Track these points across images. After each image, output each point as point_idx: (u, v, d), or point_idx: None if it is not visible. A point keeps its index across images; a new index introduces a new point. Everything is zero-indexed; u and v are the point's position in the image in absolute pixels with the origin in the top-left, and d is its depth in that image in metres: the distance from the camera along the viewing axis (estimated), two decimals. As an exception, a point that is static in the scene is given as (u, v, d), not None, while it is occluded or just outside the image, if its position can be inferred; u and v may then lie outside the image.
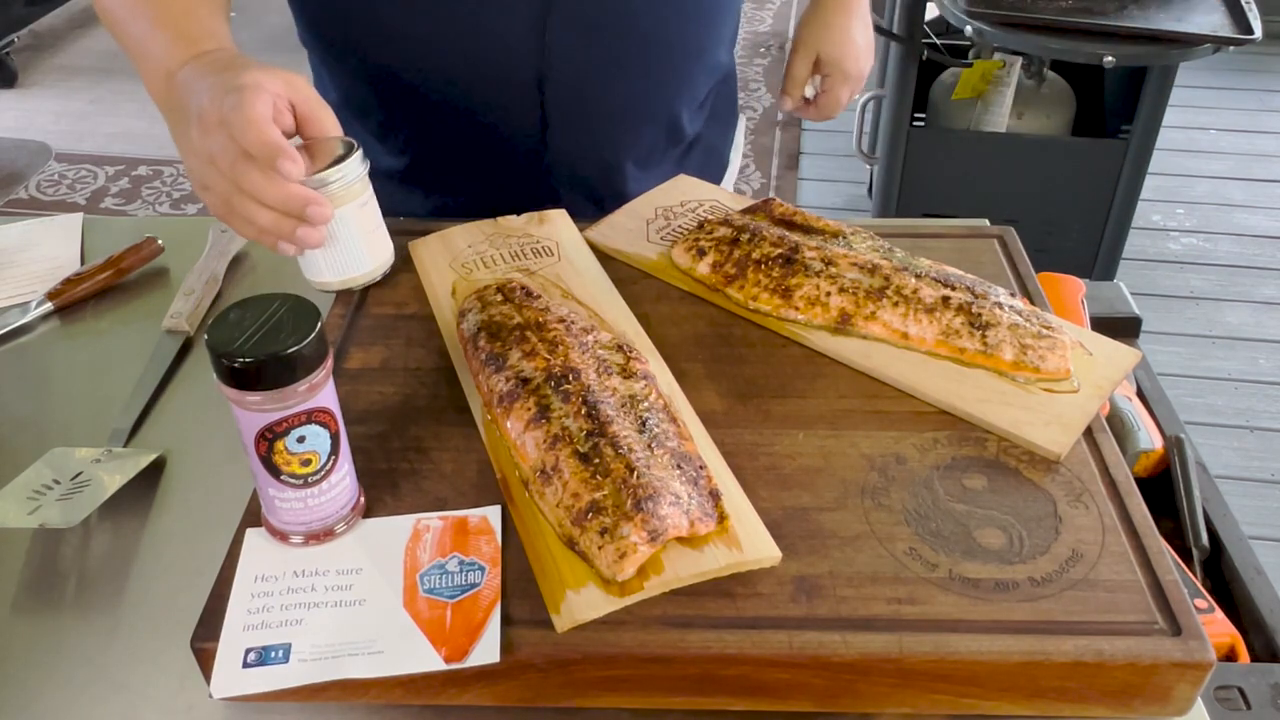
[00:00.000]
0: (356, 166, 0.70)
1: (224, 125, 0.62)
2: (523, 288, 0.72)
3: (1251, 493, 1.91)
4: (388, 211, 0.77)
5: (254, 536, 0.58)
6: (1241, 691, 0.66)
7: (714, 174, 1.05)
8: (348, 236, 0.72)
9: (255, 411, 0.52)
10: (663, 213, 0.85)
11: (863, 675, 0.52)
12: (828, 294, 0.72)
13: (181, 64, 0.68)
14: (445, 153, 0.92)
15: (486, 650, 0.51)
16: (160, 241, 0.90)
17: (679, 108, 0.93)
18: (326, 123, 0.67)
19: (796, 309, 0.72)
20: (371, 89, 0.89)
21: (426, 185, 0.94)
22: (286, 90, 0.65)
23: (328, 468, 0.55)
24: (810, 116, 1.03)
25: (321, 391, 0.53)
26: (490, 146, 0.89)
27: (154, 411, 0.74)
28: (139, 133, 3.06)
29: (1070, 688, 0.52)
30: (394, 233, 0.78)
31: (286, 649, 0.52)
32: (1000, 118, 2.13)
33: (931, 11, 2.11)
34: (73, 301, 0.85)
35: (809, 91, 1.02)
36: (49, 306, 0.84)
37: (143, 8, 0.72)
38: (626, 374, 0.64)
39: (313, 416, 0.53)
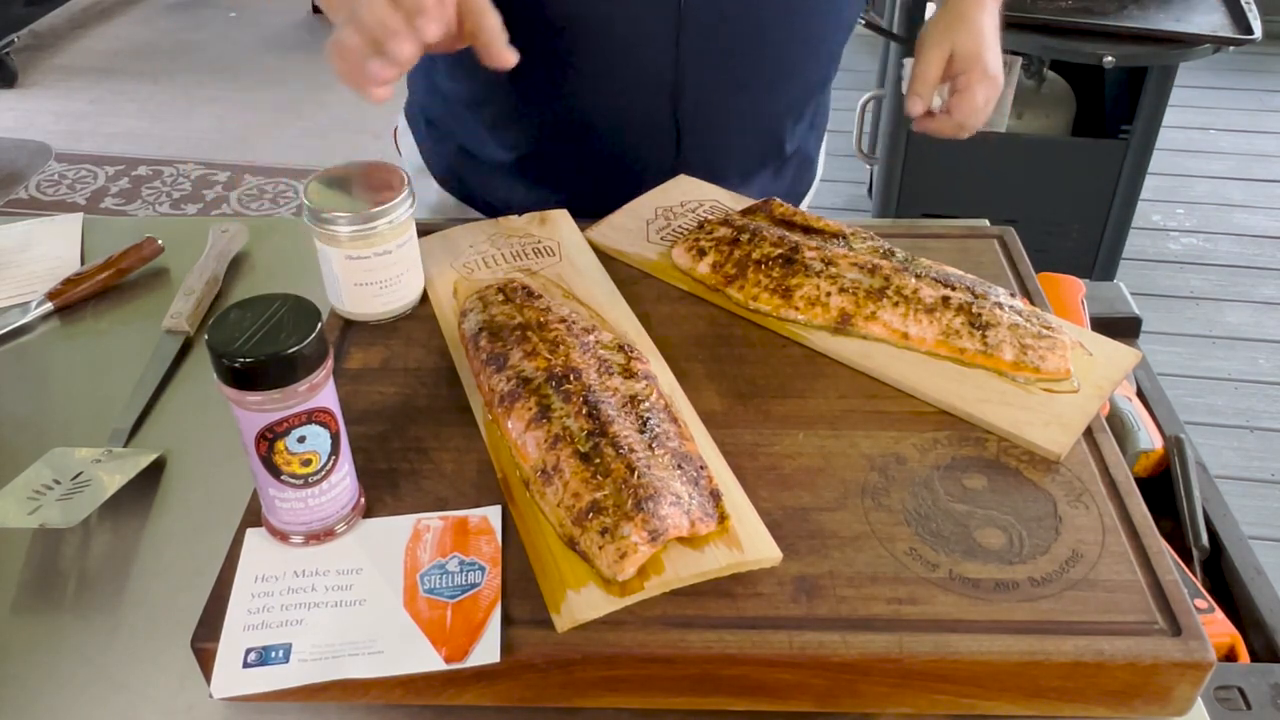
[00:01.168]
0: (405, 207, 0.70)
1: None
2: (524, 288, 0.72)
3: (1251, 493, 1.91)
4: (486, 196, 0.75)
5: (254, 536, 0.58)
6: (1241, 691, 0.66)
7: (806, 183, 1.04)
8: (388, 273, 0.72)
9: (255, 411, 0.52)
10: (663, 213, 0.85)
11: (863, 675, 0.52)
12: (828, 294, 0.72)
13: None
14: (561, 152, 0.91)
15: (486, 650, 0.51)
16: (160, 242, 0.90)
17: (788, 124, 0.93)
18: (485, 19, 0.66)
19: (797, 309, 0.72)
20: (492, 85, 0.87)
21: (540, 181, 0.93)
22: None
23: (328, 468, 0.55)
24: (943, 129, 0.89)
25: (322, 391, 0.53)
26: (621, 155, 0.89)
27: (154, 411, 0.74)
28: (139, 133, 3.06)
29: (1070, 688, 0.52)
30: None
31: (287, 649, 0.52)
32: (1000, 118, 2.12)
33: (931, 11, 2.11)
34: (73, 301, 0.85)
35: (935, 102, 0.89)
36: (49, 306, 0.84)
37: None
38: (627, 374, 0.64)
39: (313, 416, 0.53)
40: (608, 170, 0.90)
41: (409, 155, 1.02)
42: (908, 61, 0.89)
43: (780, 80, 0.88)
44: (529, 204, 0.88)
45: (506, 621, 0.52)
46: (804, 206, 1.05)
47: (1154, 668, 0.51)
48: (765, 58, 0.85)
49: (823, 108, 1.02)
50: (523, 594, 0.54)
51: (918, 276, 0.72)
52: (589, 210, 0.85)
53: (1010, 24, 2.03)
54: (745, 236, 0.77)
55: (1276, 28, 2.96)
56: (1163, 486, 0.84)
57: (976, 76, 0.85)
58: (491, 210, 0.94)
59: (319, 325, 0.52)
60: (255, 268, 0.90)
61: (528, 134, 0.91)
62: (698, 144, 0.89)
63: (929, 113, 0.88)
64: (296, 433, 0.53)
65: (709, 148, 0.90)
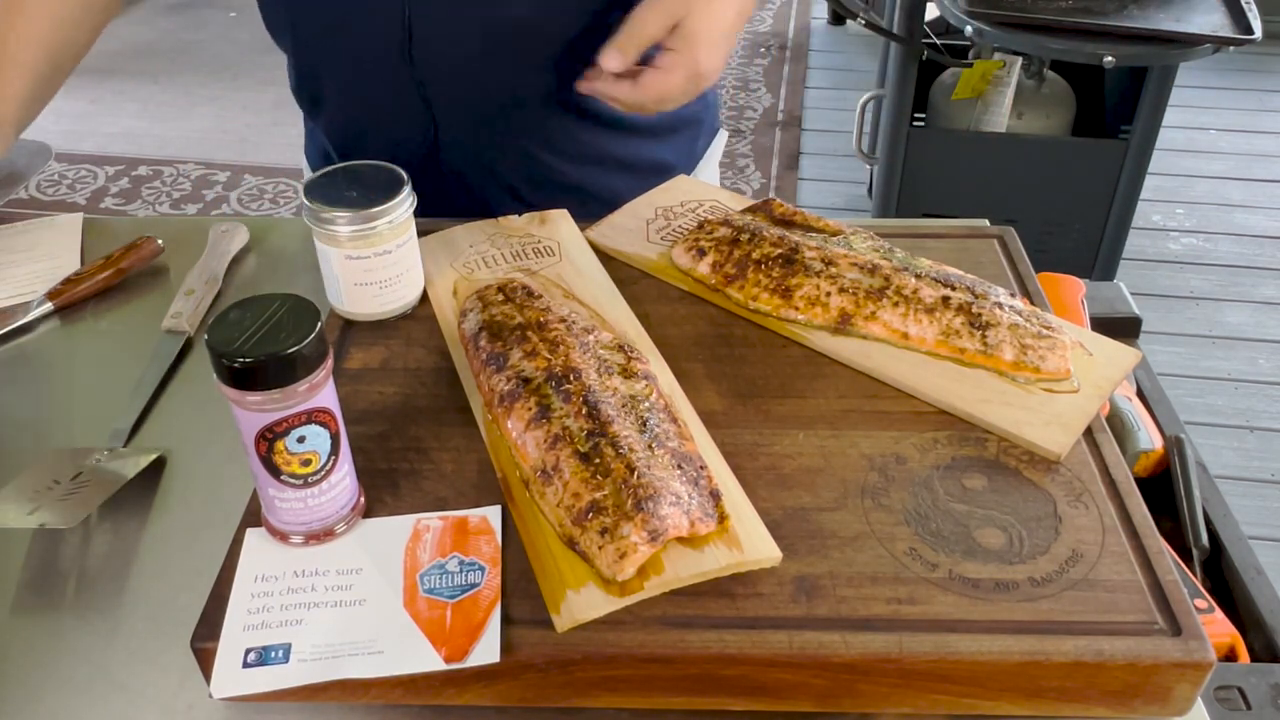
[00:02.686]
0: (405, 207, 0.70)
1: None
2: (524, 287, 0.72)
3: (1251, 493, 1.91)
4: None
5: (254, 536, 0.58)
6: (1241, 691, 0.66)
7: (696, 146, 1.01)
8: (388, 272, 0.72)
9: (255, 411, 0.52)
10: (663, 213, 0.85)
11: (863, 675, 0.52)
12: (828, 294, 0.72)
13: None
14: (359, 139, 0.92)
15: (486, 650, 0.51)
16: (160, 242, 0.90)
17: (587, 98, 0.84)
18: None
19: (796, 309, 0.72)
20: (301, 74, 0.94)
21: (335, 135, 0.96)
22: None
23: (328, 468, 0.55)
24: (620, 97, 0.78)
25: (321, 391, 0.53)
26: (390, 138, 0.90)
27: (154, 411, 0.74)
28: (139, 133, 3.06)
29: (1070, 688, 0.52)
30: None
31: (286, 649, 0.52)
32: (1000, 118, 2.13)
33: (931, 11, 2.11)
34: (73, 301, 0.85)
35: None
36: (49, 306, 0.84)
37: None
38: (627, 374, 0.64)
39: (313, 416, 0.53)
40: (398, 157, 0.84)
41: None
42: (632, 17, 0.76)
43: (532, 51, 0.84)
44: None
45: (506, 621, 0.52)
46: (704, 167, 1.02)
47: (1154, 668, 0.51)
48: (504, 21, 0.82)
49: (691, 111, 0.97)
50: (523, 594, 0.54)
51: (918, 276, 0.72)
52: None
53: (1010, 24, 2.05)
54: (745, 236, 0.77)
55: (1276, 28, 2.97)
56: (1163, 486, 0.84)
57: (685, 60, 0.75)
58: None
59: (319, 325, 0.52)
60: (255, 268, 0.90)
61: (331, 124, 0.95)
62: (454, 121, 0.88)
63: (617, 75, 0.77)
64: (296, 433, 0.53)
65: (467, 118, 0.88)
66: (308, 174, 1.04)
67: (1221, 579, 0.78)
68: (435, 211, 0.85)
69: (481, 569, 0.55)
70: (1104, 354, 0.70)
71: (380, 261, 0.70)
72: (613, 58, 0.75)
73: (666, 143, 0.98)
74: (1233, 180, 2.79)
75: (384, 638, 0.52)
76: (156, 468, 0.69)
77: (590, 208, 0.86)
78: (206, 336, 0.51)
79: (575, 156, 0.93)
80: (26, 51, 0.87)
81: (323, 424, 0.54)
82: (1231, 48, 1.85)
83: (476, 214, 0.85)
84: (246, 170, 2.87)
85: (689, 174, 0.99)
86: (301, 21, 0.88)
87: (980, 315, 0.69)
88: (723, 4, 0.76)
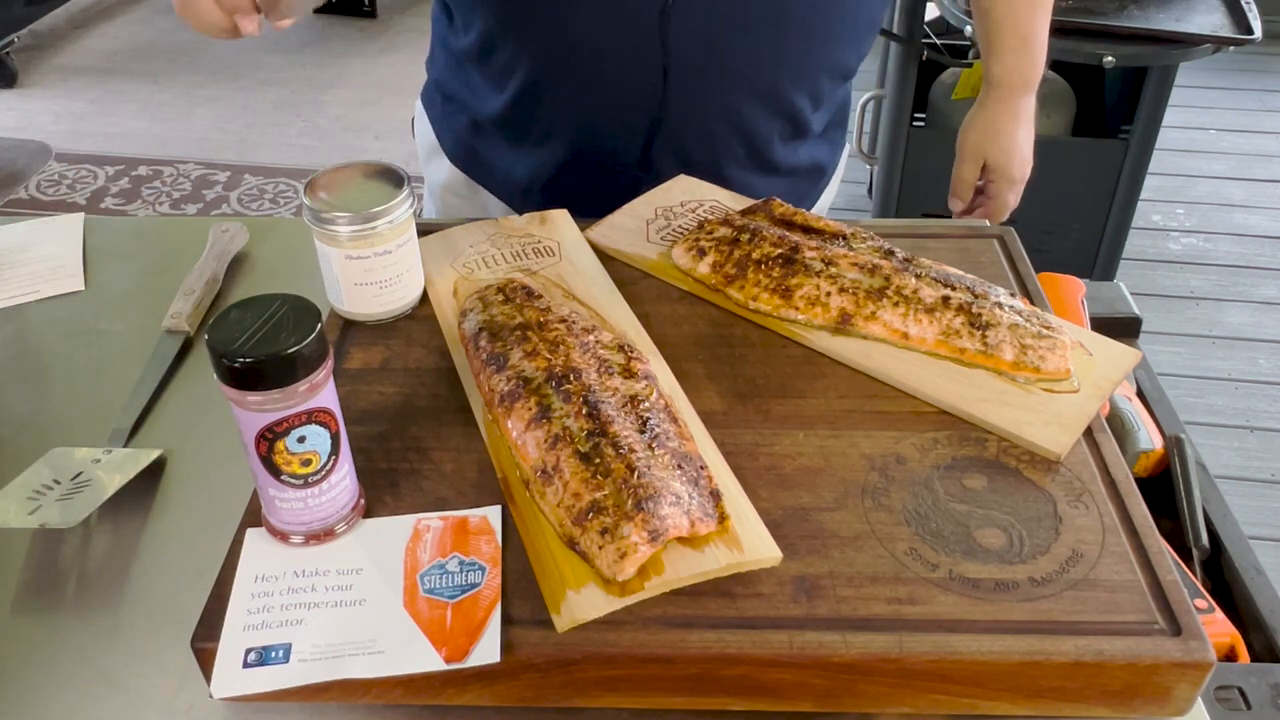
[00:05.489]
0: (405, 207, 0.70)
1: None
2: (524, 288, 0.72)
3: (1251, 493, 1.91)
4: (489, 166, 0.79)
5: (254, 536, 0.58)
6: (1241, 691, 0.66)
7: (815, 193, 1.03)
8: (388, 272, 0.72)
9: (255, 411, 0.52)
10: (663, 213, 0.85)
11: (863, 675, 0.52)
12: (828, 294, 0.72)
13: None
14: (561, 98, 0.90)
15: (486, 650, 0.51)
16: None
17: (797, 97, 0.91)
18: None
19: (797, 309, 0.72)
20: (492, 33, 0.89)
21: (535, 136, 0.93)
22: None
23: (328, 468, 0.55)
24: (978, 218, 1.06)
25: (322, 391, 0.53)
26: (608, 94, 0.88)
27: (154, 411, 0.74)
28: (139, 133, 3.06)
29: (1070, 688, 0.52)
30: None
31: (287, 649, 0.52)
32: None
33: (931, 11, 2.11)
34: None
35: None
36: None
37: None
38: (627, 374, 0.64)
39: (313, 416, 0.53)
40: (596, 117, 0.90)
41: (423, 137, 1.04)
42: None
43: (782, 36, 0.86)
44: (529, 172, 0.91)
45: (506, 621, 0.52)
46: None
47: (1154, 668, 0.51)
48: (764, 2, 0.83)
49: (841, 118, 1.01)
50: (523, 594, 0.54)
51: (918, 276, 0.72)
52: (588, 172, 0.84)
53: (1010, 24, 2.01)
54: (745, 236, 0.77)
55: (1276, 28, 2.97)
56: (1163, 486, 0.84)
57: (1004, 185, 1.03)
58: (496, 185, 0.97)
59: (319, 325, 0.52)
60: (255, 268, 0.90)
61: (523, 78, 0.90)
62: (687, 87, 0.86)
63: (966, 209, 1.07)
64: (296, 433, 0.53)
65: (699, 92, 0.87)
66: (421, 117, 1.04)
67: (1221, 579, 0.78)
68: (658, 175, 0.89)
69: (482, 569, 0.55)
70: (1104, 354, 0.70)
71: (380, 262, 0.70)
72: (956, 205, 1.06)
73: (825, 142, 1.02)
74: (1233, 180, 2.79)
75: (384, 638, 0.52)
76: (156, 468, 0.69)
77: (803, 188, 0.97)
78: (206, 336, 0.51)
79: (743, 161, 0.95)
80: None
81: (323, 424, 0.54)
82: (1231, 48, 1.85)
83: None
84: (246, 170, 2.87)
85: (832, 178, 1.07)
86: None
87: (980, 315, 0.69)
88: (1012, 129, 1.01)
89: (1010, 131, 1.01)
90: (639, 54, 0.85)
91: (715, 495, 0.57)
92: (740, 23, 0.84)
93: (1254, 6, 1.91)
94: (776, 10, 0.84)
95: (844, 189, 2.78)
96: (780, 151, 0.95)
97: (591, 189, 0.89)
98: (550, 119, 0.91)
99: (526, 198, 0.96)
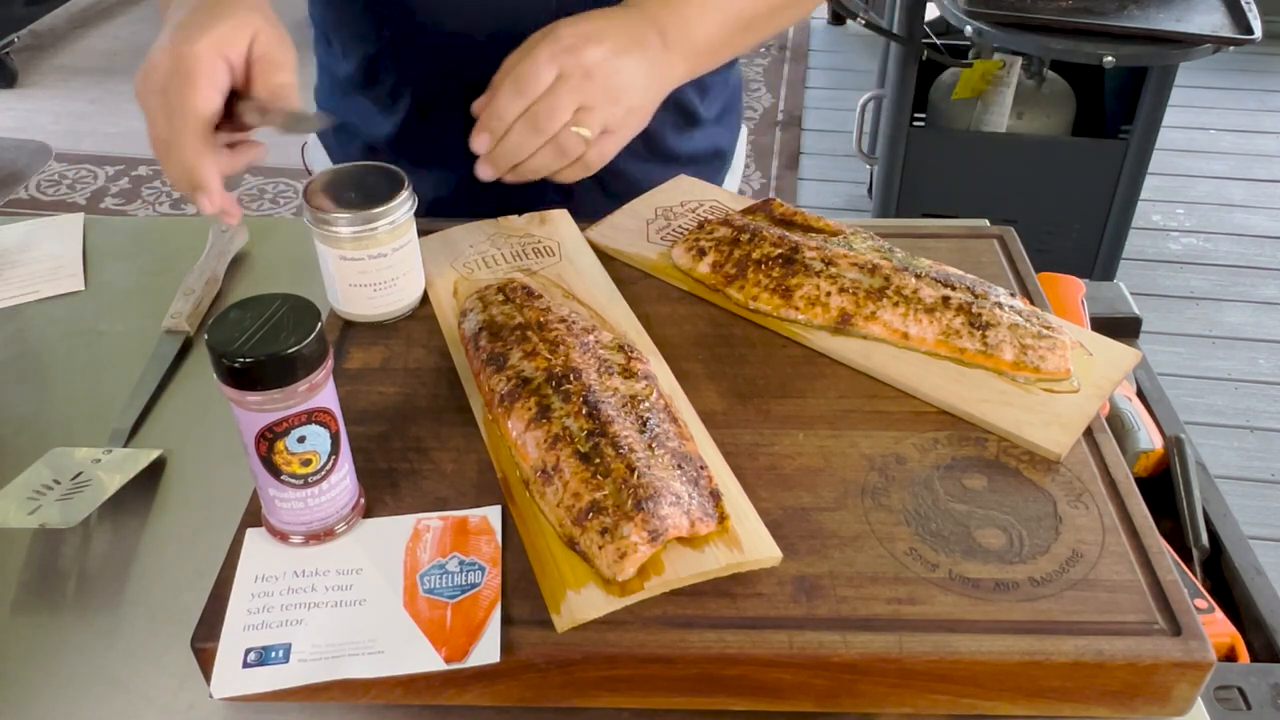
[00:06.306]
0: (406, 208, 0.70)
1: (165, 98, 0.63)
2: (524, 288, 0.72)
3: (1251, 493, 1.91)
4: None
5: (254, 536, 0.58)
6: (1241, 691, 0.66)
7: (720, 179, 1.03)
8: (387, 274, 0.72)
9: (255, 411, 0.52)
10: (663, 213, 0.85)
11: (863, 675, 0.52)
12: (828, 294, 0.72)
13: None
14: (451, 119, 0.86)
15: (486, 650, 0.51)
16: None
17: (682, 89, 0.86)
18: (276, 77, 0.66)
19: (796, 309, 0.72)
20: (375, 58, 0.89)
21: (428, 160, 0.92)
22: (245, 44, 0.64)
23: (328, 468, 0.55)
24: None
25: (322, 391, 0.53)
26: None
27: (154, 411, 0.74)
28: (139, 133, 3.04)
29: (1070, 688, 0.52)
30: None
31: (286, 649, 0.52)
32: (1000, 118, 2.13)
33: (931, 11, 2.11)
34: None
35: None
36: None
37: None
38: (627, 374, 0.64)
39: (313, 416, 0.53)
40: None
41: (320, 165, 1.03)
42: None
43: None
44: (432, 190, 0.88)
45: (506, 621, 0.52)
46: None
47: (1154, 668, 0.51)
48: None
49: (734, 101, 0.99)
50: (523, 594, 0.54)
51: (918, 276, 0.72)
52: (494, 200, 0.81)
53: (1010, 24, 2.05)
54: (745, 236, 0.77)
55: (1276, 28, 2.97)
56: (1163, 486, 0.84)
57: (506, 81, 0.71)
58: None
59: (319, 325, 0.52)
60: (255, 268, 0.90)
61: (409, 103, 0.90)
62: None
63: None
64: (296, 433, 0.53)
65: None
66: (315, 146, 1.03)
67: (1221, 579, 0.78)
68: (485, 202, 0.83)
69: (481, 569, 0.55)
70: (1104, 354, 0.70)
71: (380, 263, 0.70)
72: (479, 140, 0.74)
73: (721, 128, 1.00)
74: (1233, 180, 2.79)
75: (384, 638, 0.52)
76: (156, 468, 0.69)
77: (707, 174, 0.90)
78: (206, 336, 0.51)
79: (640, 153, 0.92)
80: None
81: (323, 424, 0.54)
82: (1231, 48, 1.85)
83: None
84: (246, 170, 2.87)
85: (733, 164, 1.04)
86: None
87: (980, 315, 0.69)
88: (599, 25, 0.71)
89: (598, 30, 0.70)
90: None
91: (715, 495, 0.57)
92: None
93: (1254, 6, 1.91)
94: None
95: (844, 189, 2.80)
96: (675, 141, 0.94)
97: (504, 199, 0.85)
98: (443, 140, 0.85)
99: (438, 213, 0.92)
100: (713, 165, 1.01)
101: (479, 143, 0.70)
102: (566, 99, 0.68)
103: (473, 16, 0.84)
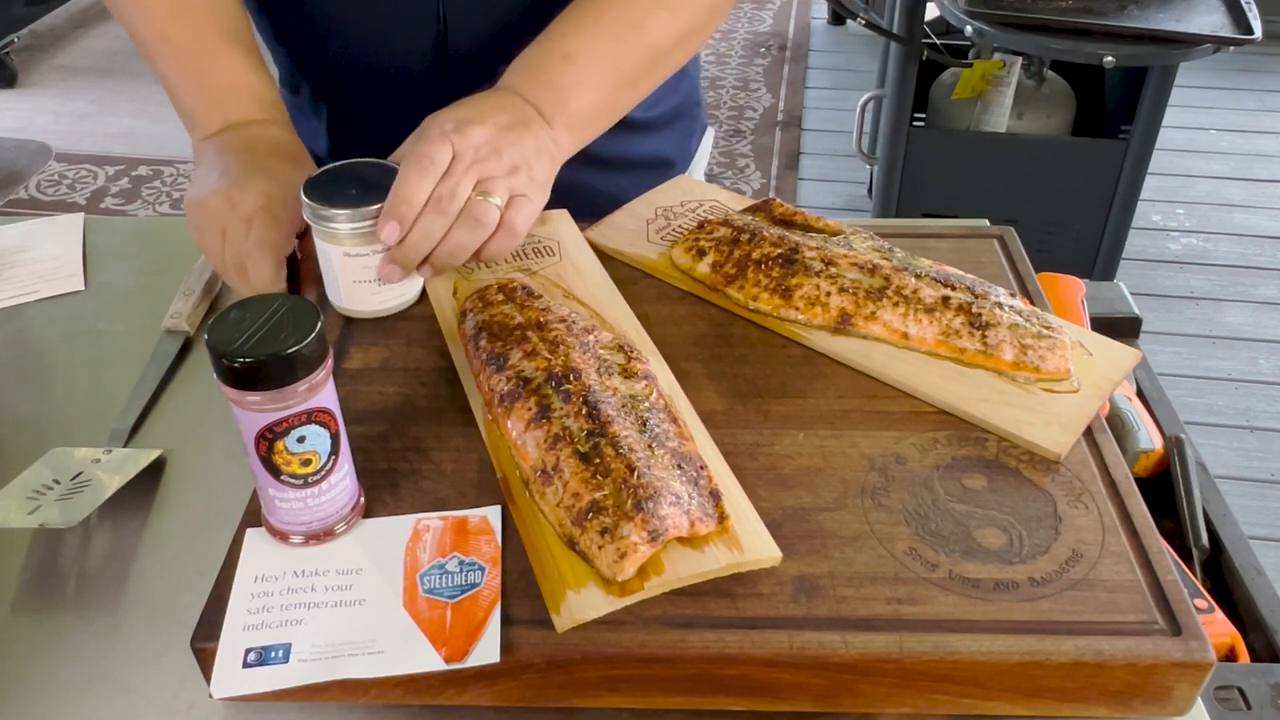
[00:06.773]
0: None
1: (248, 227, 0.71)
2: (524, 287, 0.72)
3: (1251, 493, 1.91)
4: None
5: (254, 536, 0.58)
6: (1241, 691, 0.66)
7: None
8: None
9: (255, 411, 0.52)
10: (663, 213, 0.85)
11: (863, 675, 0.52)
12: (828, 294, 0.72)
13: (206, 134, 0.78)
14: (371, 131, 0.87)
15: (486, 650, 0.51)
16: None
17: None
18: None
19: (796, 309, 0.72)
20: (297, 64, 0.92)
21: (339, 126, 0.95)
22: (288, 222, 0.72)
23: (328, 468, 0.55)
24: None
25: (321, 391, 0.53)
26: (410, 124, 0.79)
27: (154, 411, 0.74)
28: (139, 133, 3.06)
29: (1070, 688, 0.52)
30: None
31: (286, 649, 0.52)
32: (1000, 118, 2.13)
33: (931, 11, 2.11)
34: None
35: None
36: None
37: (166, 50, 0.81)
38: (627, 374, 0.64)
39: (313, 416, 0.53)
40: (375, 82, 0.88)
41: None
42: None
43: None
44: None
45: (506, 621, 0.52)
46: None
47: (1154, 668, 0.51)
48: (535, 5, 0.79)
49: (685, 95, 0.97)
50: (523, 594, 0.54)
51: (918, 276, 0.72)
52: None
53: (1010, 24, 2.05)
54: (745, 236, 0.77)
55: (1276, 28, 2.97)
56: (1163, 486, 0.84)
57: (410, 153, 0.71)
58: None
59: (319, 325, 0.52)
60: (255, 268, 0.90)
61: (329, 115, 0.94)
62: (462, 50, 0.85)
63: None
64: (296, 433, 0.53)
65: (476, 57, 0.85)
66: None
67: (1221, 579, 0.78)
68: None
69: (481, 569, 0.55)
70: (1104, 354, 0.70)
71: (379, 259, 0.70)
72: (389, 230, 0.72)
73: (664, 136, 0.99)
74: (1233, 180, 2.79)
75: (384, 638, 0.52)
76: (156, 468, 0.69)
77: (596, 205, 0.86)
78: (206, 336, 0.51)
79: (576, 158, 0.92)
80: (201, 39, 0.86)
81: (323, 424, 0.54)
82: (1231, 48, 1.85)
83: None
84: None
85: (685, 170, 1.01)
86: None
87: (980, 315, 0.69)
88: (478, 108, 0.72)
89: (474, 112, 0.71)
90: (427, 79, 0.86)
91: (715, 495, 0.57)
92: (516, 36, 0.79)
93: (1254, 6, 1.91)
94: (551, 16, 0.79)
95: (844, 189, 2.80)
96: (612, 145, 0.88)
97: None
98: (369, 149, 0.81)
99: None
100: (656, 172, 0.96)
101: (388, 233, 0.67)
102: (466, 176, 0.68)
103: (359, 42, 0.86)
